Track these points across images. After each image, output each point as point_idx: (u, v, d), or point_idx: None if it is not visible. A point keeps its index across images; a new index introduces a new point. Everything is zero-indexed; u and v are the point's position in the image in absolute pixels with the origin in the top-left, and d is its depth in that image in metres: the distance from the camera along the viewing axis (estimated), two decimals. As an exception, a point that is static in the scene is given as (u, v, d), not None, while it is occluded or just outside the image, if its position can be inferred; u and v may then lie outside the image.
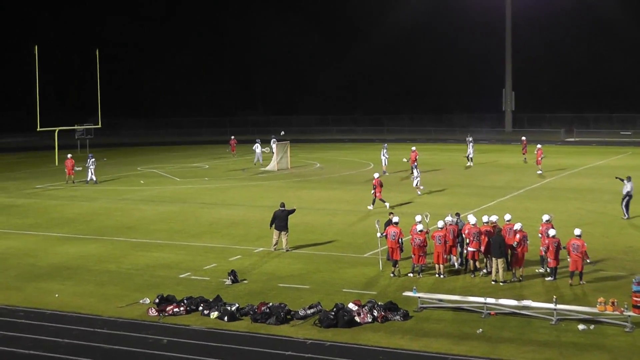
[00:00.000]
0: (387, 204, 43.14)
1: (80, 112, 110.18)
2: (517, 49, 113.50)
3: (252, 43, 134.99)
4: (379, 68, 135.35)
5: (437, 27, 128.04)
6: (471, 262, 28.04)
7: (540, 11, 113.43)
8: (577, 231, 27.37)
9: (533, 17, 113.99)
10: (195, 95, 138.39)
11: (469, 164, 65.05)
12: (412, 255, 28.09)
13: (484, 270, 28.06)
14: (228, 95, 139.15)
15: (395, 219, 29.04)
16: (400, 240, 28.23)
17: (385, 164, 59.80)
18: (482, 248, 27.82)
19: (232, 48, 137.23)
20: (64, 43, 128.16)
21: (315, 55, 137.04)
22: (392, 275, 28.10)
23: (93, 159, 57.58)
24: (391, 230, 28.49)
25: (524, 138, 67.95)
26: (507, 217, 29.15)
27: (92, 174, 56.92)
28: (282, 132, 75.34)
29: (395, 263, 28.29)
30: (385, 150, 59.78)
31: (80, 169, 58.31)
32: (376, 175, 45.02)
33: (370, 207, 43.07)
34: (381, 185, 43.87)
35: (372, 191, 43.77)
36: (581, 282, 26.79)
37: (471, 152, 65.31)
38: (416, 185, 48.47)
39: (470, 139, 66.81)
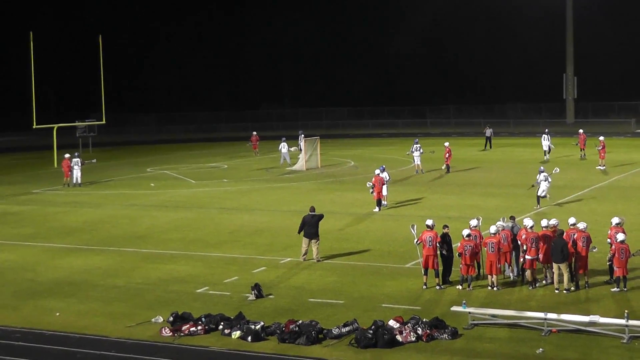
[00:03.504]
0: (377, 209, 44.02)
1: (82, 107, 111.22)
2: (579, 28, 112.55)
3: (276, 28, 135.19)
4: (420, 54, 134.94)
5: (487, 5, 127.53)
6: (529, 272, 27.89)
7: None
8: None
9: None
10: (212, 86, 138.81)
11: (546, 157, 65.94)
12: (461, 265, 27.98)
13: (544, 282, 27.96)
14: (249, 86, 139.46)
15: (429, 222, 28.95)
16: (437, 245, 28.20)
17: (417, 162, 59.57)
18: (541, 256, 27.71)
19: (253, 33, 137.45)
20: (63, 31, 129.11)
21: (348, 41, 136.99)
22: (437, 287, 28.02)
23: (78, 159, 58.11)
24: (426, 235, 28.39)
25: (581, 131, 67.77)
26: (572, 220, 28.94)
27: (77, 175, 57.89)
28: (301, 132, 74.70)
29: (435, 273, 28.20)
30: (417, 146, 59.52)
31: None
32: (377, 171, 44.93)
33: (376, 210, 44.12)
34: (382, 184, 44.32)
35: (371, 190, 44.39)
36: None
37: (547, 144, 66.60)
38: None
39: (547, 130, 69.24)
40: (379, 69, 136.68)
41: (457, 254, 28.07)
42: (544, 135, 67.44)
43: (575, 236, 27.83)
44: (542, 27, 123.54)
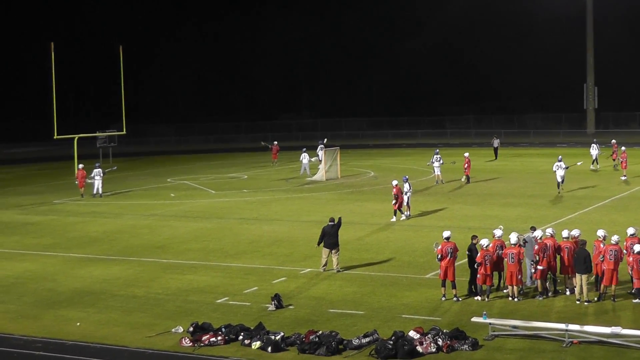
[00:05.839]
0: (394, 219, 44.09)
1: (103, 117, 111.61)
2: (599, 38, 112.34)
3: (295, 38, 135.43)
4: (440, 64, 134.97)
5: (507, 15, 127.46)
6: (539, 281, 27.91)
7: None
8: None
9: (617, 1, 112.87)
10: (231, 97, 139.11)
11: (597, 166, 66.16)
12: (478, 275, 27.87)
13: (567, 292, 27.95)
14: (269, 97, 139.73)
15: (446, 234, 28.88)
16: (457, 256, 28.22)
17: (437, 172, 59.63)
18: (553, 265, 28.09)
19: (272, 44, 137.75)
20: (83, 42, 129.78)
21: (367, 51, 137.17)
22: (454, 299, 27.90)
23: (99, 169, 58.15)
24: (446, 247, 28.33)
25: (614, 141, 67.63)
26: (600, 232, 28.77)
27: (98, 186, 57.77)
28: (325, 140, 74.57)
29: (452, 285, 28.13)
30: (437, 157, 59.63)
31: (92, 181, 58.46)
32: (394, 182, 44.78)
33: (397, 218, 44.21)
34: (401, 193, 44.24)
35: (394, 201, 44.34)
36: None
37: (596, 153, 66.70)
38: (406, 203, 45.50)
39: (595, 140, 70.48)
40: (398, 79, 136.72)
41: (476, 264, 27.98)
42: (592, 145, 67.65)
43: (597, 248, 27.82)
44: (562, 37, 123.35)
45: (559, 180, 52.80)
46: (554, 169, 53.43)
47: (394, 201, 44.19)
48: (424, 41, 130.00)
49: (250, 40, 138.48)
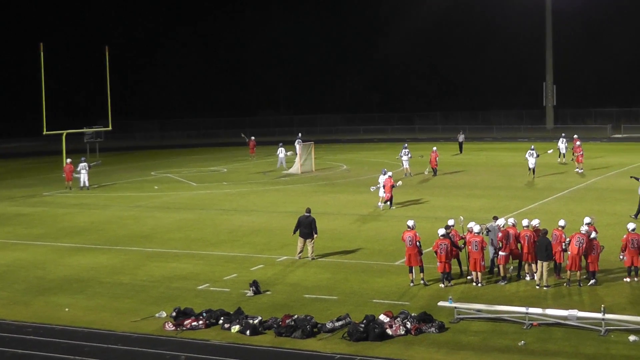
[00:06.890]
0: (380, 205, 44.54)
1: (90, 114, 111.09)
2: (558, 39, 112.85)
3: (272, 38, 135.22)
4: (409, 63, 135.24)
5: (471, 17, 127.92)
6: (502, 267, 28.04)
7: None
8: (631, 225, 28.17)
9: (575, 3, 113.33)
10: (212, 94, 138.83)
11: (563, 160, 65.88)
12: (438, 263, 27.92)
13: (527, 277, 28.06)
14: (248, 94, 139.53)
15: (410, 223, 28.96)
16: (418, 243, 28.22)
17: (406, 166, 59.72)
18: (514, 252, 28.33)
19: (251, 43, 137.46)
20: (71, 42, 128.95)
21: (341, 51, 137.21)
22: (422, 283, 27.99)
23: (85, 164, 57.87)
24: (407, 235, 28.39)
25: (576, 136, 67.61)
26: (562, 222, 28.95)
27: (85, 179, 57.43)
28: (300, 134, 74.89)
29: (420, 269, 28.21)
30: (406, 151, 59.75)
31: (78, 175, 58.16)
32: (390, 174, 45.07)
33: (383, 206, 44.65)
34: (392, 186, 44.51)
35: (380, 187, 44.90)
36: (636, 279, 27.52)
37: (564, 147, 66.39)
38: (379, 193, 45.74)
39: (563, 134, 69.95)
40: (370, 78, 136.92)
41: (433, 253, 28.10)
42: (561, 138, 67.19)
43: (559, 237, 28.02)
44: (522, 39, 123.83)
45: (531, 166, 55.64)
46: (527, 156, 56.34)
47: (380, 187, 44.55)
48: (394, 43, 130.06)
49: (232, 40, 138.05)
